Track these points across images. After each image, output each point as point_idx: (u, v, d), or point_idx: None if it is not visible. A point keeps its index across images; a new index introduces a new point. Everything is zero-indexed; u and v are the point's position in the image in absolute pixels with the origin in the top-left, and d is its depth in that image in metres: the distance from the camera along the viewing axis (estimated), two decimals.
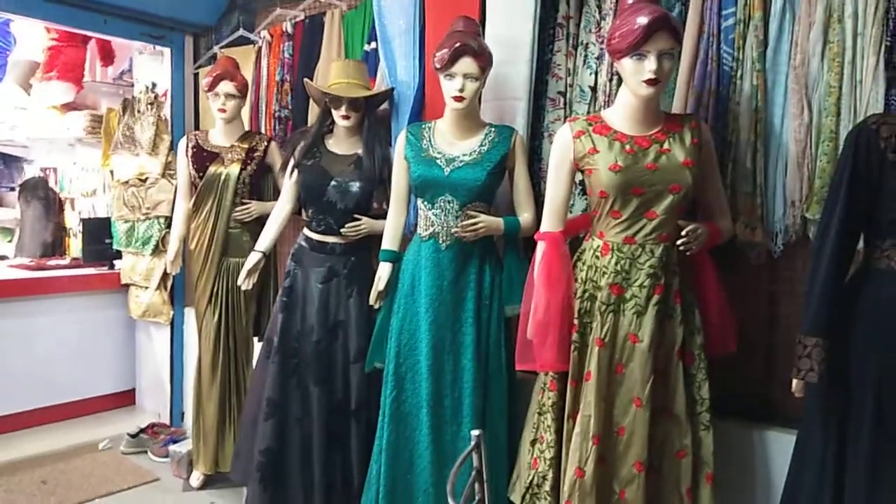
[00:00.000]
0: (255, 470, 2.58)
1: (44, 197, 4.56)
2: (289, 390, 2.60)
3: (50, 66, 4.17)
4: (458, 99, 2.15)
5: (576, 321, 1.87)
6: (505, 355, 2.25)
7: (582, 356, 1.86)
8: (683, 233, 1.79)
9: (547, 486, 1.90)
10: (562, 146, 1.92)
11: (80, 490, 3.07)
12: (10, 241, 4.84)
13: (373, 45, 2.84)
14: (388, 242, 2.43)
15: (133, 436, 3.56)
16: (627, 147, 1.82)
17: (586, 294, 1.87)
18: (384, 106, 2.72)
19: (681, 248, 1.81)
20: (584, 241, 1.97)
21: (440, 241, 2.24)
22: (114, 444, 3.57)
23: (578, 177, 2.00)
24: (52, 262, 4.23)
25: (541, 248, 1.94)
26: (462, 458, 1.45)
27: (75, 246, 4.55)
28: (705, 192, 1.92)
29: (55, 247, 4.55)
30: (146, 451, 3.50)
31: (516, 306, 2.11)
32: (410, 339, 2.28)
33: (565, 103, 2.31)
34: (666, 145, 1.82)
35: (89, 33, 3.86)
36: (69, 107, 4.29)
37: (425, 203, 2.27)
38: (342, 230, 2.60)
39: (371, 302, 2.45)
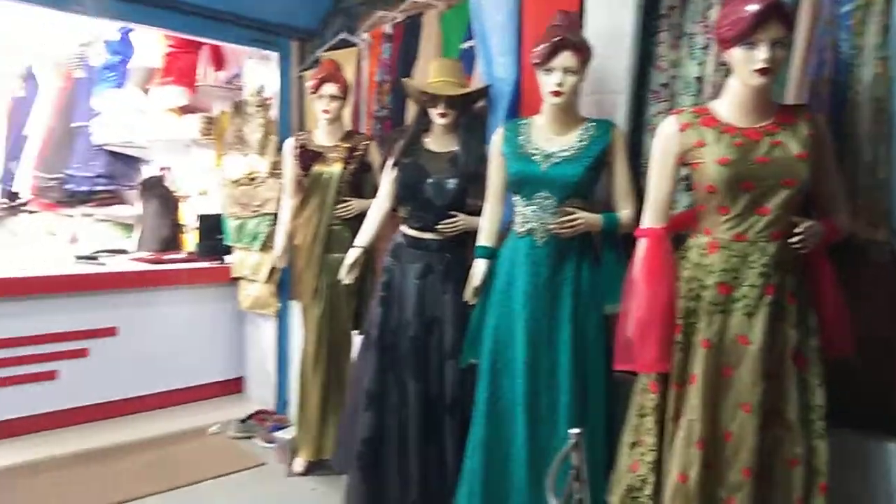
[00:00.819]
0: (355, 459, 2.66)
1: (161, 195, 4.83)
2: (386, 383, 2.66)
3: (167, 71, 4.42)
4: (557, 93, 2.13)
5: (679, 321, 1.81)
6: (603, 354, 2.21)
7: (686, 358, 1.80)
8: (798, 229, 1.70)
9: (647, 491, 1.86)
10: (666, 139, 1.86)
11: (192, 471, 3.23)
12: (130, 237, 5.18)
13: (470, 43, 2.86)
14: (484, 239, 2.44)
15: (242, 422, 3.73)
16: (737, 139, 1.75)
17: (691, 293, 1.81)
18: (480, 103, 2.73)
19: (795, 245, 1.72)
20: (689, 238, 1.91)
21: (536, 238, 2.23)
22: (223, 429, 3.75)
23: (682, 171, 1.94)
24: (169, 256, 4.45)
25: (642, 244, 1.89)
26: (561, 456, 1.44)
27: (190, 241, 4.79)
28: (821, 186, 1.81)
29: (172, 242, 4.78)
30: (253, 437, 3.66)
31: (615, 305, 2.06)
32: (506, 335, 2.28)
33: (669, 96, 2.24)
34: (779, 137, 1.74)
35: (204, 40, 4.07)
36: (184, 110, 4.52)
37: (522, 199, 2.26)
38: (438, 227, 2.63)
39: (466, 298, 2.46)
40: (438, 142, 2.70)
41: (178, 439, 3.65)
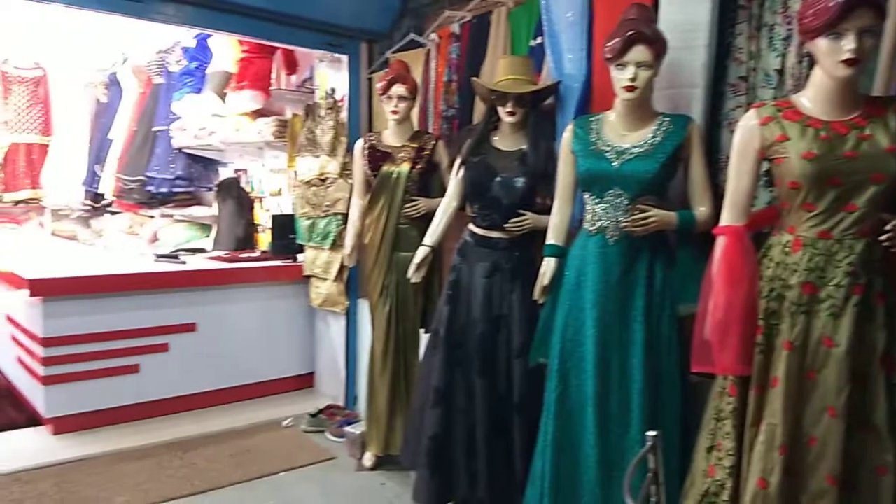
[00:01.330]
0: (423, 455, 2.68)
1: (237, 196, 4.96)
2: (454, 380, 2.67)
3: (241, 76, 4.54)
4: (630, 89, 2.09)
5: (760, 322, 1.76)
6: (677, 355, 2.16)
7: (767, 360, 1.75)
8: (888, 227, 1.62)
9: (725, 496, 1.81)
10: (747, 133, 1.80)
11: (266, 464, 3.32)
12: (207, 236, 5.36)
13: (539, 40, 2.84)
14: (553, 237, 2.41)
15: (313, 416, 3.81)
16: (822, 133, 1.68)
17: (773, 293, 1.75)
18: (549, 100, 2.71)
19: (885, 244, 1.64)
20: (771, 235, 1.84)
21: (608, 236, 2.19)
22: (295, 423, 3.84)
23: (762, 166, 1.87)
24: (244, 255, 4.57)
25: (721, 243, 1.84)
26: (637, 458, 1.42)
27: (264, 240, 4.92)
28: None
29: (246, 241, 4.91)
30: (324, 431, 3.73)
31: (691, 305, 2.01)
32: (575, 334, 2.25)
33: (748, 89, 2.17)
34: (867, 131, 1.66)
35: (277, 44, 4.17)
36: (258, 113, 4.64)
37: (593, 197, 2.23)
38: (506, 225, 2.63)
39: (535, 297, 2.44)
40: (507, 140, 2.70)
41: (253, 432, 3.75)
